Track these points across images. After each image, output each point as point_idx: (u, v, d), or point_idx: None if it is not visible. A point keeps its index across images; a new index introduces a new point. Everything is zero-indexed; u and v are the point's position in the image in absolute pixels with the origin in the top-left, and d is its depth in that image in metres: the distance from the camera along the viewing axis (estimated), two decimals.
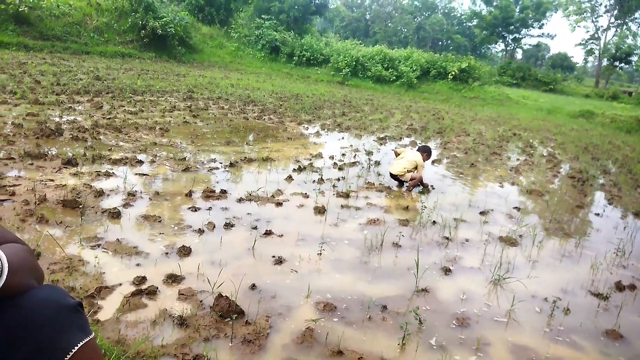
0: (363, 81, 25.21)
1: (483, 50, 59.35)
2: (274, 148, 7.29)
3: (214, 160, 6.03)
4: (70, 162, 4.96)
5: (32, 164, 4.84)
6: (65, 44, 18.63)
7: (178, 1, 28.03)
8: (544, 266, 3.98)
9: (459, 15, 67.95)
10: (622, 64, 44.38)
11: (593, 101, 31.20)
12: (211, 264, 3.23)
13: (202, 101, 11.12)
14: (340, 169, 6.49)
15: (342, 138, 9.06)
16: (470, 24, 60.20)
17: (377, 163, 7.00)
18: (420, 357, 2.51)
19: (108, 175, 4.83)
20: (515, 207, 5.61)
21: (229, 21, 28.66)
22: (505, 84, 34.58)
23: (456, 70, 25.75)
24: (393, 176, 5.94)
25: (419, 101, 21.03)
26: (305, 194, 5.09)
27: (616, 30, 45.73)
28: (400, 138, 9.71)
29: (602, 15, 46.58)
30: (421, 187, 5.96)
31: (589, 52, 49.04)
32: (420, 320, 2.77)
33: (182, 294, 2.78)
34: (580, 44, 48.82)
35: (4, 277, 0.96)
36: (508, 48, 55.26)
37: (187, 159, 5.92)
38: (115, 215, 3.79)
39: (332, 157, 7.11)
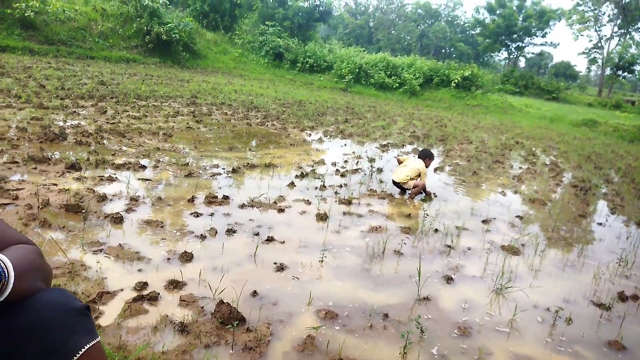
0: (366, 88, 25.31)
1: (486, 59, 59.53)
2: (276, 154, 7.31)
3: (217, 166, 6.05)
4: (73, 167, 4.97)
5: (35, 168, 4.86)
6: (70, 49, 18.80)
7: (183, 7, 28.27)
8: (546, 275, 3.97)
9: (462, 23, 68.35)
10: (625, 73, 44.44)
11: (596, 110, 31.23)
12: (213, 270, 3.23)
13: (205, 107, 11.17)
14: (342, 175, 6.50)
15: (345, 145, 9.07)
16: (473, 32, 60.53)
17: (380, 170, 7.01)
18: None
19: (111, 180, 4.84)
20: (518, 216, 5.60)
21: (233, 27, 28.90)
22: (508, 92, 34.68)
23: (459, 78, 25.85)
24: (396, 184, 5.94)
25: (421, 108, 21.07)
26: (308, 200, 5.09)
27: (619, 40, 45.89)
28: (403, 145, 9.72)
29: (605, 25, 46.83)
30: (423, 194, 5.96)
31: (592, 61, 49.11)
32: (421, 329, 2.76)
33: (184, 300, 2.77)
34: (583, 53, 48.98)
35: (10, 285, 0.97)
36: (511, 56, 55.45)
37: (189, 164, 5.94)
38: (117, 220, 3.80)
39: (334, 164, 7.12)
